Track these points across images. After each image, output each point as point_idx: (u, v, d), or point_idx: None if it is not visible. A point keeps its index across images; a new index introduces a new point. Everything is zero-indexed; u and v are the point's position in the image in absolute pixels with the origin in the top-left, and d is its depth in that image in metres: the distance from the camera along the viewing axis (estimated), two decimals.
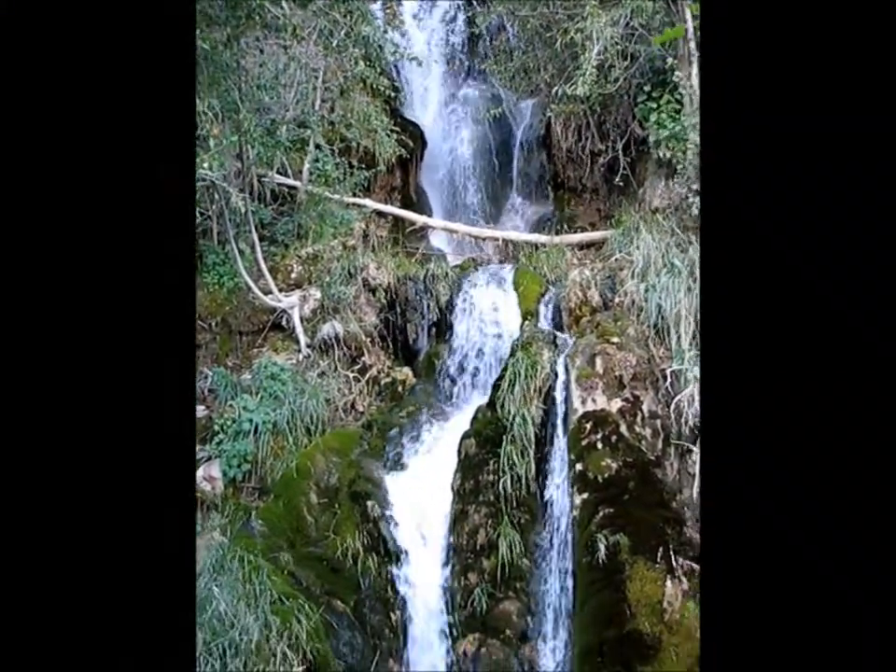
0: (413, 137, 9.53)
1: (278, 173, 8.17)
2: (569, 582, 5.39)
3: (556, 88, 8.07)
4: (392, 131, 8.41)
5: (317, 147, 8.18)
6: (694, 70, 6.87)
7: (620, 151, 8.53)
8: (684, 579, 4.93)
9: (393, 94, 8.32)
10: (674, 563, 4.98)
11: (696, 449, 5.45)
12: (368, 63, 7.43)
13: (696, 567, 4.99)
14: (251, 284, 7.01)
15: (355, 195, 8.53)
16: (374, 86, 7.47)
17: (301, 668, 4.64)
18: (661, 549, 5.02)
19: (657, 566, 4.98)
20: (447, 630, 5.45)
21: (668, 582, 4.91)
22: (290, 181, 8.26)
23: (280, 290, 7.30)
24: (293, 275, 7.58)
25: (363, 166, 8.41)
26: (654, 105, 7.50)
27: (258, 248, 7.11)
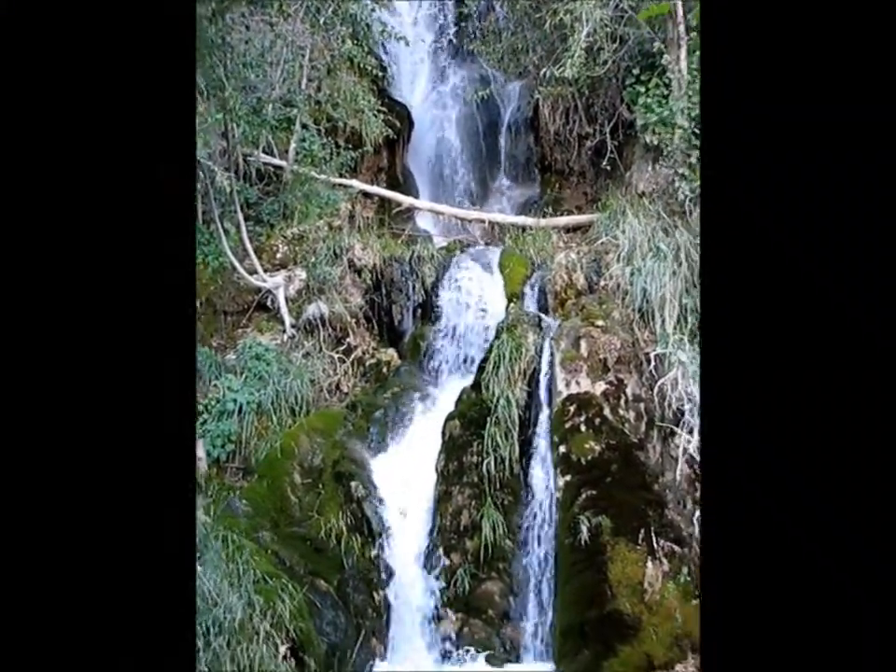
0: (400, 118, 9.46)
1: (264, 152, 8.09)
2: (551, 563, 5.45)
3: (544, 70, 8.01)
4: (379, 111, 8.34)
5: (304, 126, 8.10)
6: (683, 54, 6.86)
7: (607, 134, 8.49)
8: (665, 560, 5.01)
9: (380, 74, 8.26)
10: (655, 544, 5.05)
11: (679, 432, 5.50)
12: (355, 41, 7.37)
13: (677, 548, 5.07)
14: (236, 264, 6.96)
15: (341, 175, 8.45)
16: (361, 65, 7.42)
17: (284, 647, 4.66)
18: (642, 531, 5.09)
19: (638, 547, 5.05)
20: (430, 610, 5.50)
21: (649, 564, 4.98)
22: (276, 161, 8.18)
23: (265, 270, 7.25)
24: (278, 255, 7.54)
25: (350, 146, 8.34)
26: (642, 89, 7.48)
27: (243, 228, 7.05)
